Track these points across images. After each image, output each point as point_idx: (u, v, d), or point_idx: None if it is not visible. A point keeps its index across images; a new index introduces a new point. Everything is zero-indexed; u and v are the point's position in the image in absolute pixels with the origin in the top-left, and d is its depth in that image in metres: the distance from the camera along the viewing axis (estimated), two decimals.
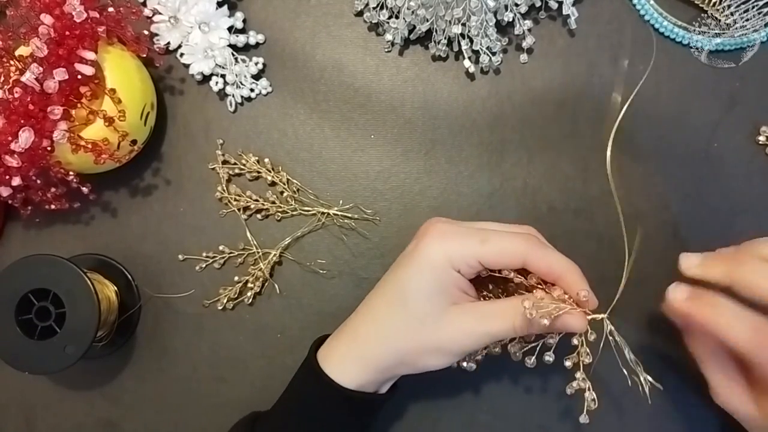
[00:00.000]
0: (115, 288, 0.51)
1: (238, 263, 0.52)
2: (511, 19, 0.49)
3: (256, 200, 0.51)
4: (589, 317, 0.40)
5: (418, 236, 0.43)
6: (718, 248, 0.42)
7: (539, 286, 0.41)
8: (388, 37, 0.51)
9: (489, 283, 0.44)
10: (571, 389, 0.42)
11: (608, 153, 0.40)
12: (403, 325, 0.40)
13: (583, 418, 0.42)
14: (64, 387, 0.52)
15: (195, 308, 0.52)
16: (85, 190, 0.48)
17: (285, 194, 0.51)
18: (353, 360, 0.41)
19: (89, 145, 0.45)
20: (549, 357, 0.42)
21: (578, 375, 0.42)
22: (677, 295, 0.40)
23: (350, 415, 0.42)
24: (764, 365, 0.37)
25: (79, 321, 0.45)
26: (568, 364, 0.42)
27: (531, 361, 0.43)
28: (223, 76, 0.52)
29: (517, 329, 0.39)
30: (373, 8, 0.50)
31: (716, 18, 0.50)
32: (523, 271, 0.42)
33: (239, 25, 0.52)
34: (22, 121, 0.43)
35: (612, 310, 0.41)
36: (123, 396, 0.52)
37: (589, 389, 0.42)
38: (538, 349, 0.43)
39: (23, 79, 0.43)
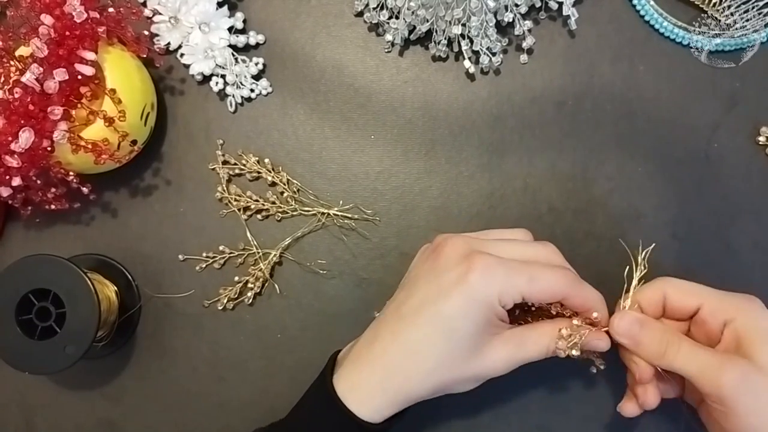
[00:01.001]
0: (115, 288, 0.51)
1: (238, 263, 0.52)
2: (511, 20, 0.49)
3: (257, 200, 0.51)
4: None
5: (446, 259, 0.41)
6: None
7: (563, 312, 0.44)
8: (388, 37, 0.51)
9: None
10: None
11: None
12: (448, 361, 0.40)
13: (593, 370, 0.45)
14: (64, 387, 0.52)
15: (195, 308, 0.52)
16: (85, 190, 0.48)
17: (285, 194, 0.51)
18: (385, 394, 0.40)
19: (89, 146, 0.45)
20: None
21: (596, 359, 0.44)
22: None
23: None
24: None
25: (79, 321, 0.45)
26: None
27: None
28: (223, 76, 0.52)
29: (550, 352, 0.41)
30: (373, 8, 0.50)
31: (716, 18, 0.50)
32: None
33: (239, 25, 0.52)
34: (22, 122, 0.43)
35: None
36: (123, 396, 0.52)
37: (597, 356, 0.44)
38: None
39: (23, 79, 0.43)
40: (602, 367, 0.45)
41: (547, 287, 0.40)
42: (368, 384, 0.40)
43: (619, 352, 0.43)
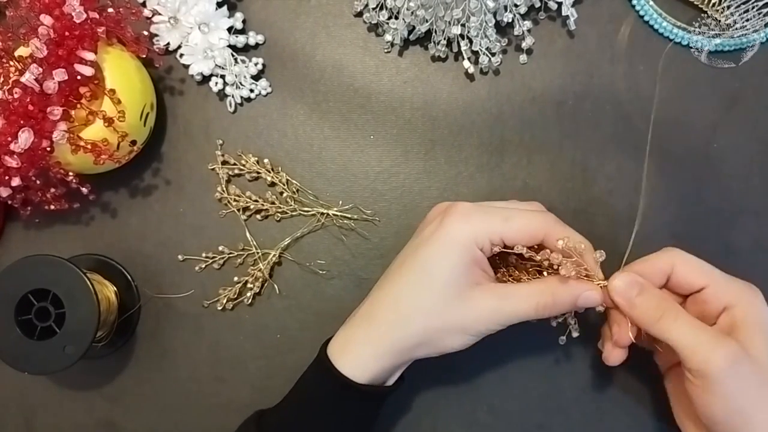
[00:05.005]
0: (115, 288, 0.51)
1: (237, 264, 0.52)
2: (510, 20, 0.49)
3: (256, 201, 0.51)
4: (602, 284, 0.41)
5: (431, 218, 0.43)
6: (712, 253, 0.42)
7: (552, 261, 0.41)
8: (388, 37, 0.51)
9: (500, 263, 0.45)
10: (555, 322, 0.44)
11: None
12: (428, 305, 0.40)
13: (562, 340, 0.45)
14: (64, 387, 0.52)
15: (195, 308, 0.52)
16: (84, 190, 0.48)
17: (284, 195, 0.51)
18: (370, 346, 0.41)
19: (89, 146, 0.45)
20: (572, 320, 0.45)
21: (568, 316, 0.44)
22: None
23: (361, 408, 0.42)
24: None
25: (78, 321, 0.45)
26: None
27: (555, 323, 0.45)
28: (222, 76, 0.52)
29: (539, 310, 0.40)
30: (373, 9, 0.50)
31: (716, 18, 0.50)
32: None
33: (239, 25, 0.52)
34: (21, 122, 0.43)
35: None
36: (123, 396, 0.52)
37: (575, 323, 0.44)
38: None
39: (23, 79, 0.43)
40: (576, 333, 0.44)
41: (523, 225, 0.40)
42: (354, 339, 0.42)
43: (606, 311, 0.42)
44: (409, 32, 0.51)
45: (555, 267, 0.40)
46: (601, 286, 0.41)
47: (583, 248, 0.40)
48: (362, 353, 0.41)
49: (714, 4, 0.49)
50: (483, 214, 0.41)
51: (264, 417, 0.45)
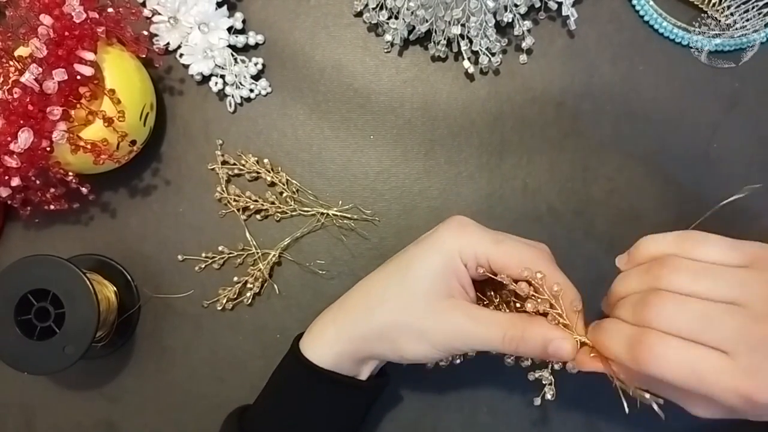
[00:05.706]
0: (115, 288, 0.51)
1: (237, 264, 0.52)
2: (510, 20, 0.49)
3: (256, 201, 0.51)
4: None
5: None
6: None
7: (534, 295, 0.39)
8: (388, 37, 0.51)
9: (487, 290, 0.44)
10: (533, 377, 0.42)
11: None
12: (395, 297, 0.40)
13: (536, 401, 0.42)
14: (64, 387, 0.52)
15: (194, 309, 0.52)
16: (84, 190, 0.48)
17: (284, 195, 0.51)
18: (333, 329, 0.42)
19: (88, 146, 0.45)
20: (527, 361, 0.43)
21: (545, 372, 0.41)
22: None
23: (330, 398, 0.42)
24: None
25: (78, 321, 0.45)
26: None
27: (509, 360, 0.43)
28: (222, 76, 0.52)
29: (506, 342, 0.38)
30: (373, 9, 0.50)
31: (716, 18, 0.50)
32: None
33: (239, 25, 0.52)
34: (21, 122, 0.43)
35: None
36: (123, 396, 0.52)
37: (550, 384, 0.42)
38: None
39: (22, 79, 0.43)
40: (551, 396, 0.41)
41: (511, 251, 0.39)
42: (321, 322, 0.43)
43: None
44: (409, 32, 0.51)
45: (542, 311, 0.38)
46: (579, 342, 0.38)
47: (557, 290, 0.38)
48: (324, 336, 0.42)
49: (714, 4, 0.49)
50: (477, 230, 0.40)
51: (246, 412, 0.45)
